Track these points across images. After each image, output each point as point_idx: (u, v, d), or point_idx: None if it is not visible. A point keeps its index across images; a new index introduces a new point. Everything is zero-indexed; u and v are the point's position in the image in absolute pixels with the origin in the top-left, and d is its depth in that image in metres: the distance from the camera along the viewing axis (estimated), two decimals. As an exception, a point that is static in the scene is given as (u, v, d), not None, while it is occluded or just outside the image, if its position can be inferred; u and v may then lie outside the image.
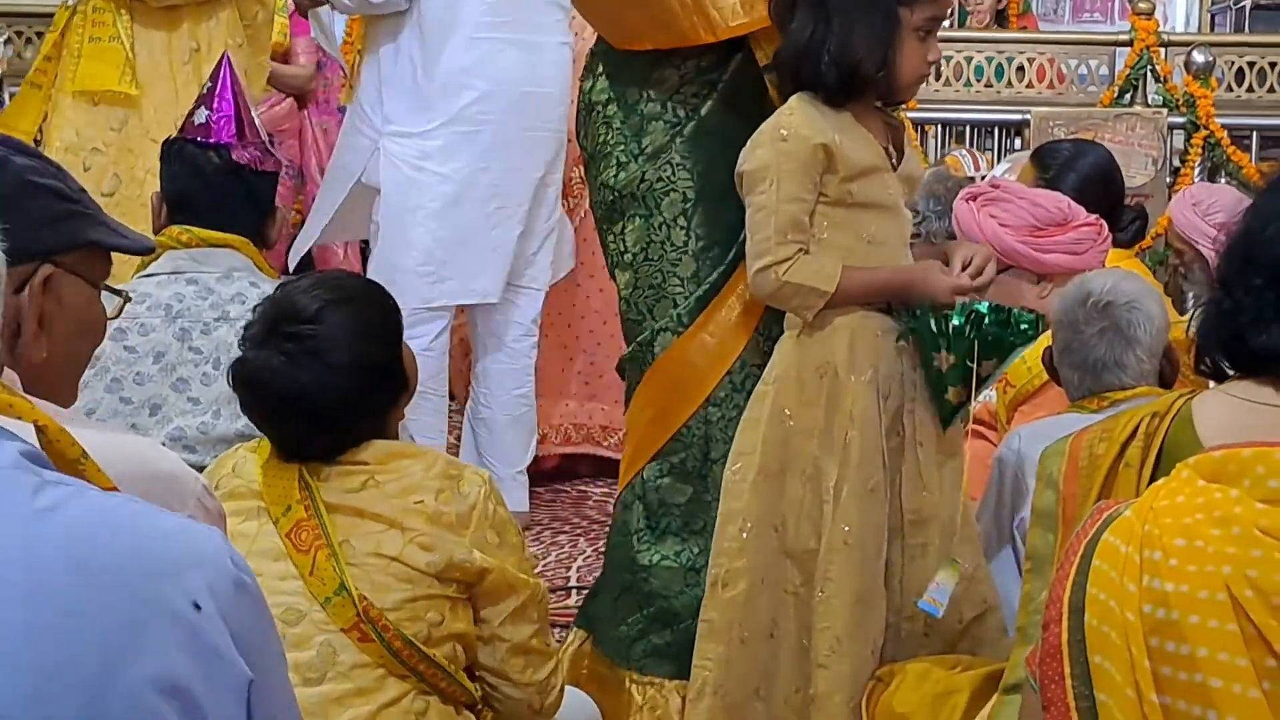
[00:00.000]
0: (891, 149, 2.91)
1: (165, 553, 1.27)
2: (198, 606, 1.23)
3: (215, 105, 3.24)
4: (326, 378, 2.48)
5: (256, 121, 3.36)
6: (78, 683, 1.15)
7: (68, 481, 1.27)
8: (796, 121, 2.81)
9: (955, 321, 2.78)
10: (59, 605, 1.17)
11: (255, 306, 2.63)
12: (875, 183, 2.85)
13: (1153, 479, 1.99)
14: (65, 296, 1.84)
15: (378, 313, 2.64)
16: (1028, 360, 3.37)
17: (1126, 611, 1.61)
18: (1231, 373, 2.04)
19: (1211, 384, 2.14)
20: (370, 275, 4.55)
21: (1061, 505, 2.17)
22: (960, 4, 8.16)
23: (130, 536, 1.26)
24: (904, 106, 3.04)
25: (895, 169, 2.92)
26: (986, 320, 2.79)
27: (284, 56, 6.14)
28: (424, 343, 4.63)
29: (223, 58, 3.46)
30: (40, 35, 7.60)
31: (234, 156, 3.22)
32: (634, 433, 3.10)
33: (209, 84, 3.32)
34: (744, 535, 2.84)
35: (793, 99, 2.84)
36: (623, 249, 3.07)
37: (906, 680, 2.72)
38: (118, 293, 1.97)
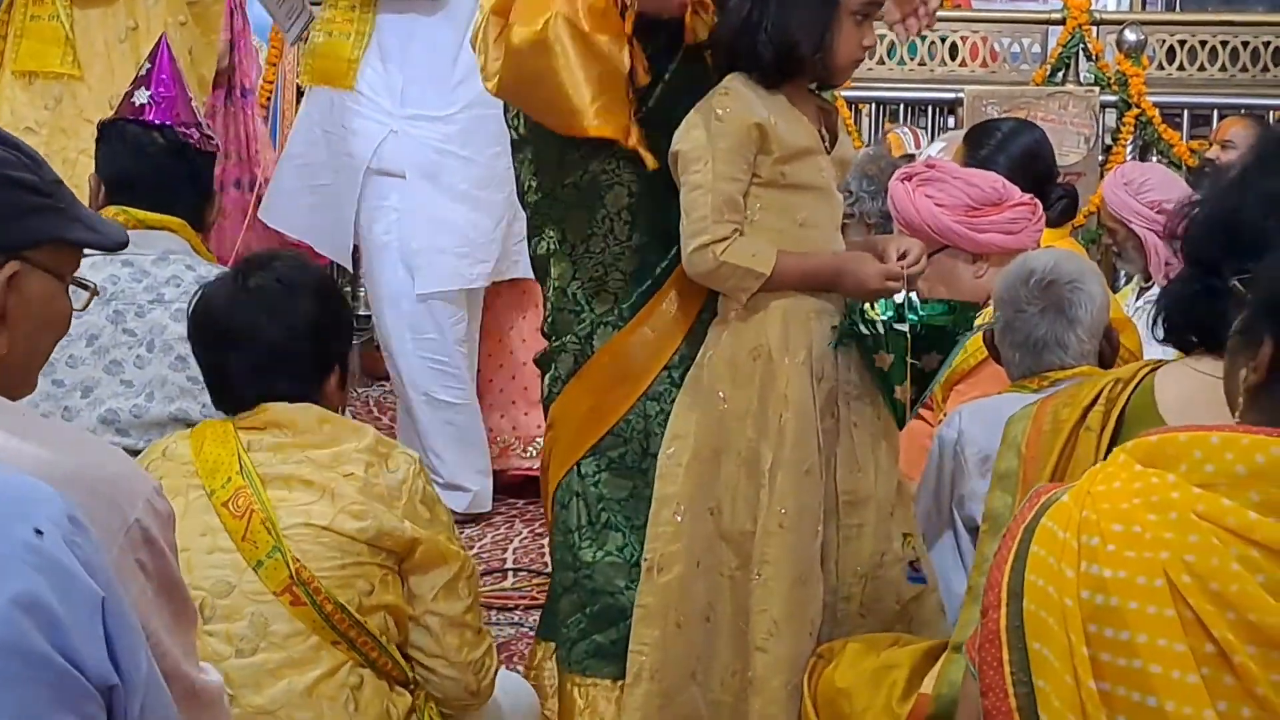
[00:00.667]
0: (824, 132, 2.90)
1: (9, 496, 1.40)
2: (39, 532, 1.36)
3: (153, 85, 3.22)
4: (276, 318, 2.63)
5: (194, 103, 3.34)
6: None
7: None
8: (731, 101, 2.80)
9: (885, 315, 2.78)
10: None
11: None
12: (809, 165, 2.85)
13: (1112, 444, 2.03)
14: (31, 291, 1.80)
15: (330, 293, 2.81)
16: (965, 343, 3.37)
17: (1065, 598, 1.61)
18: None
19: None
20: (398, 256, 4.60)
21: (1023, 468, 2.19)
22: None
23: None
24: (837, 88, 3.01)
25: (829, 152, 2.91)
26: (918, 312, 2.79)
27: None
28: (461, 329, 4.70)
29: (161, 38, 3.44)
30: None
31: (170, 137, 3.21)
32: (566, 424, 3.06)
33: (147, 64, 3.30)
34: (678, 519, 2.83)
35: (728, 78, 2.83)
36: (562, 238, 3.03)
37: (847, 657, 2.73)
38: (86, 286, 1.93)
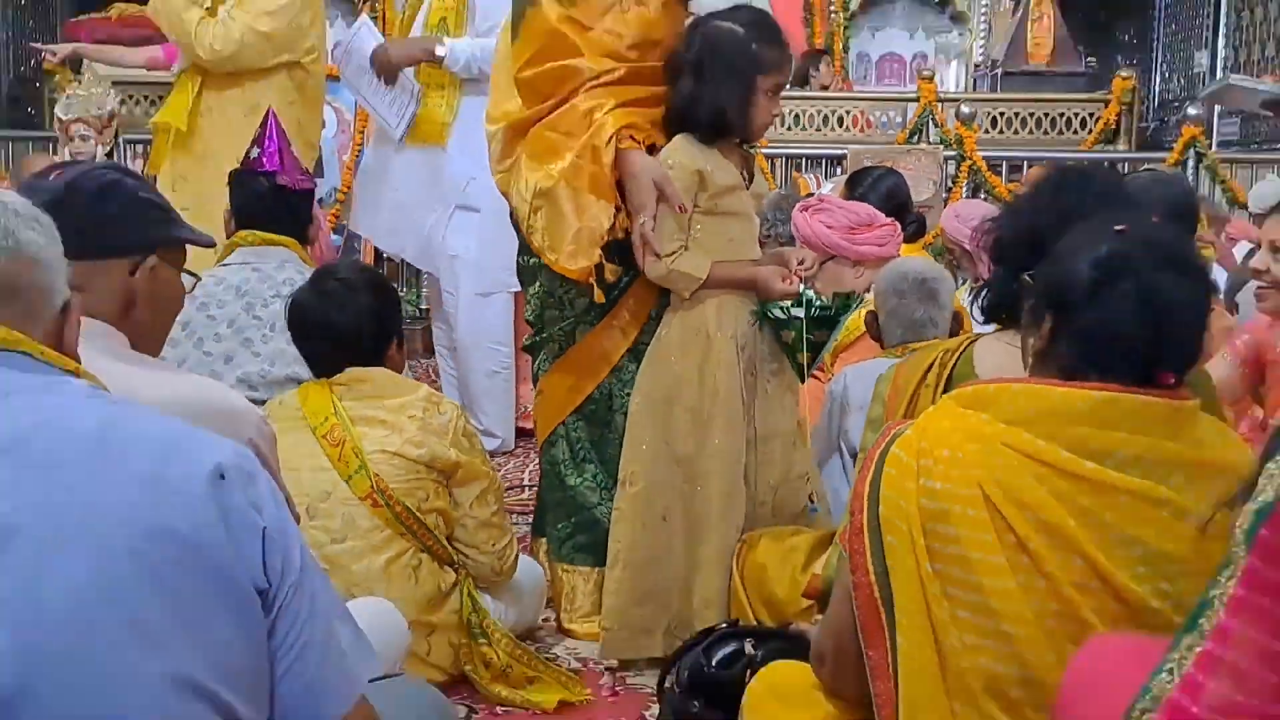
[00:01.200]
0: (745, 173, 2.85)
1: (197, 438, 1.35)
2: (222, 476, 1.29)
3: (264, 144, 3.21)
4: (342, 315, 2.61)
5: (295, 153, 3.32)
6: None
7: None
8: (679, 155, 2.75)
9: (795, 312, 2.75)
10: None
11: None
12: (734, 198, 2.80)
13: (945, 393, 2.00)
14: (162, 277, 1.90)
15: (382, 286, 2.77)
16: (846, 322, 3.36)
17: (908, 504, 1.59)
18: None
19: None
20: (470, 266, 4.46)
21: (885, 414, 2.18)
22: (804, 73, 8.14)
23: (167, 426, 1.36)
24: (757, 144, 2.95)
25: (748, 188, 2.85)
26: (813, 306, 2.76)
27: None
28: (508, 318, 4.59)
29: (268, 111, 3.40)
30: (146, 98, 7.55)
31: (278, 181, 3.19)
32: (553, 395, 2.99)
33: (260, 130, 3.28)
34: (643, 448, 2.80)
35: (676, 138, 2.78)
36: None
37: (763, 543, 2.70)
38: (193, 275, 2.01)
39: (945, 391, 1.99)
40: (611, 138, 2.71)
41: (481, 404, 4.56)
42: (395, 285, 4.39)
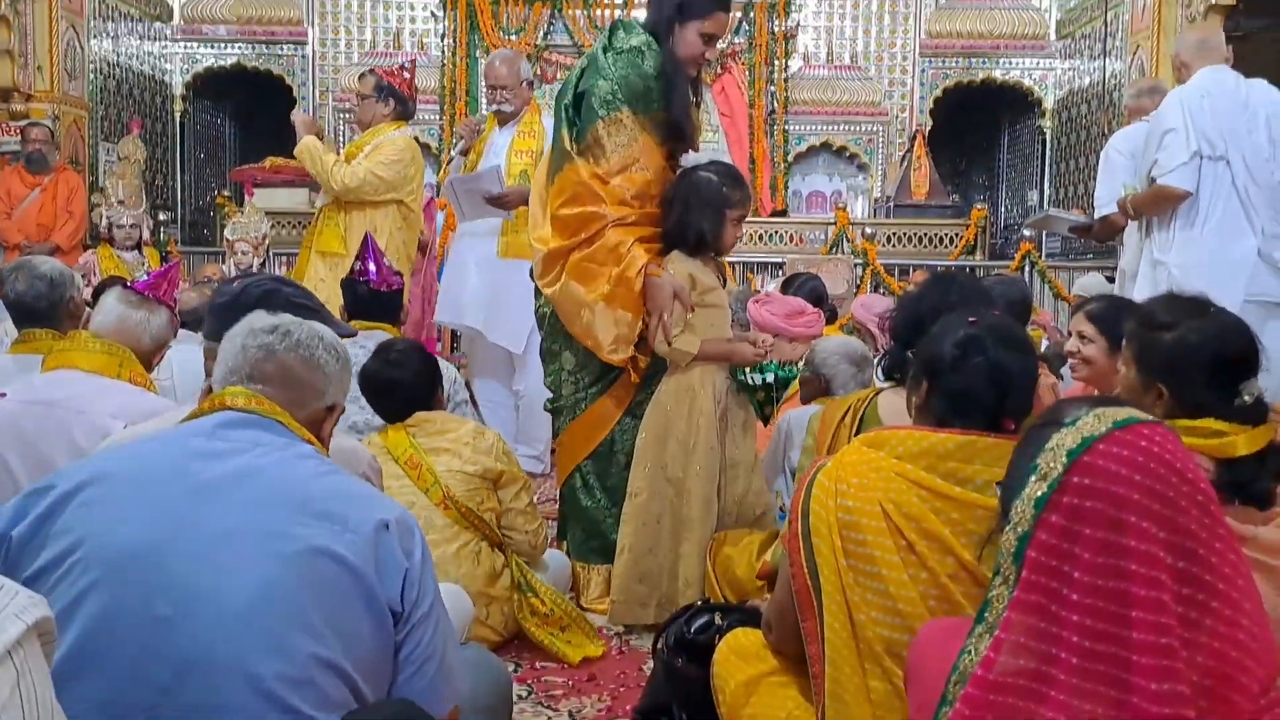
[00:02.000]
0: (720, 277, 2.85)
1: (376, 498, 1.37)
2: (386, 525, 1.29)
3: (365, 258, 3.20)
4: (402, 374, 2.60)
5: (387, 263, 3.28)
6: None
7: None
8: (675, 265, 2.76)
9: (765, 377, 2.77)
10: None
11: None
12: (715, 294, 2.80)
13: (856, 434, 2.02)
14: None
15: (426, 354, 2.74)
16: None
17: (829, 516, 1.58)
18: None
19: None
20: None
21: (816, 445, 2.17)
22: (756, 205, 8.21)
23: (360, 486, 1.38)
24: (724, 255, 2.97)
25: (724, 286, 2.86)
26: (775, 373, 2.78)
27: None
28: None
29: (366, 235, 3.41)
30: (290, 224, 7.56)
31: (373, 285, 3.18)
32: (570, 446, 2.96)
33: (361, 249, 3.26)
34: (646, 469, 2.78)
35: (673, 253, 2.79)
36: (569, 346, 2.92)
37: (729, 539, 2.68)
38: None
39: (858, 430, 1.98)
40: (641, 269, 2.72)
41: (539, 435, 4.37)
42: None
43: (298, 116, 4.53)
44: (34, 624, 0.87)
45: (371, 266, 3.15)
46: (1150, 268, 3.71)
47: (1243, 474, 1.57)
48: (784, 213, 8.54)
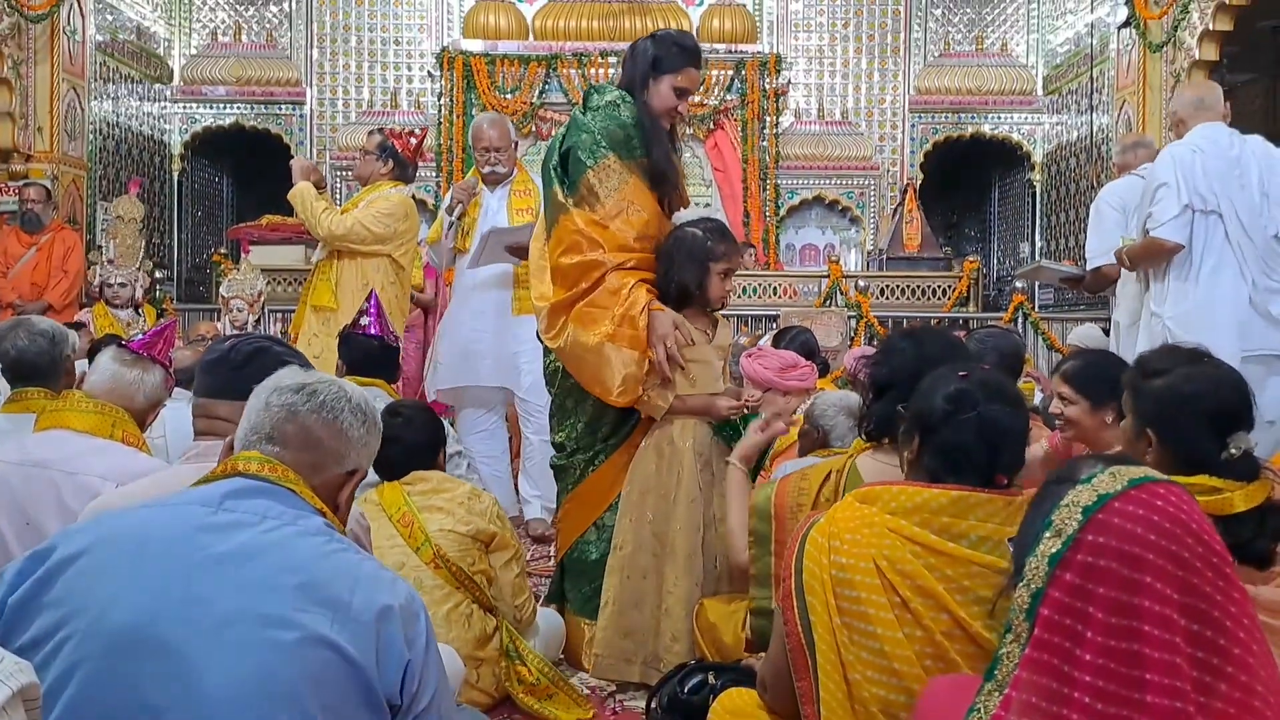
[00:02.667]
0: (709, 330, 2.85)
1: (382, 580, 1.29)
2: (391, 612, 1.24)
3: (367, 313, 3.20)
4: (407, 433, 2.57)
5: (387, 320, 3.29)
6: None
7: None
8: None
9: (744, 428, 2.74)
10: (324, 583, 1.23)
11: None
12: (695, 350, 2.79)
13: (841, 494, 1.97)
14: None
15: (433, 414, 2.74)
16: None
17: (823, 574, 1.57)
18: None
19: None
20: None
21: (775, 531, 2.08)
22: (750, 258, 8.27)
23: (366, 566, 1.30)
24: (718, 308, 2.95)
25: (710, 341, 2.86)
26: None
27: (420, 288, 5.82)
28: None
29: (371, 290, 3.42)
30: (284, 280, 7.55)
31: (373, 341, 3.18)
32: (573, 518, 2.92)
33: (364, 304, 3.29)
34: (629, 522, 2.76)
35: (656, 304, 2.78)
36: (577, 408, 2.91)
37: (711, 607, 2.61)
38: None
39: (842, 492, 1.95)
40: (644, 307, 2.71)
41: (548, 483, 4.25)
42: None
43: (297, 161, 4.53)
44: (19, 690, 0.86)
45: (373, 321, 3.16)
46: (1148, 319, 3.75)
47: (1241, 533, 1.56)
48: (767, 265, 8.58)
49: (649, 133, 2.80)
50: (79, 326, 4.92)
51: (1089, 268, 4.42)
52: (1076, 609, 1.07)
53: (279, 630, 1.17)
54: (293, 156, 8.67)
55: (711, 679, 2.03)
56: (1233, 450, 1.59)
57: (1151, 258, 3.70)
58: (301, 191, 4.33)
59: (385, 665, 1.21)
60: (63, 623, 1.16)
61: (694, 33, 8.77)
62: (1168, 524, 1.07)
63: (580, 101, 2.93)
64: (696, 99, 8.34)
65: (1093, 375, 2.59)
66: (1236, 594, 1.09)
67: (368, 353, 3.16)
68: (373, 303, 3.21)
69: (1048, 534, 1.12)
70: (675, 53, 2.84)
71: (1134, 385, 1.77)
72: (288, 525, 1.27)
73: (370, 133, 4.63)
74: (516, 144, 4.39)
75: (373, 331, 3.15)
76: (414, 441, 2.60)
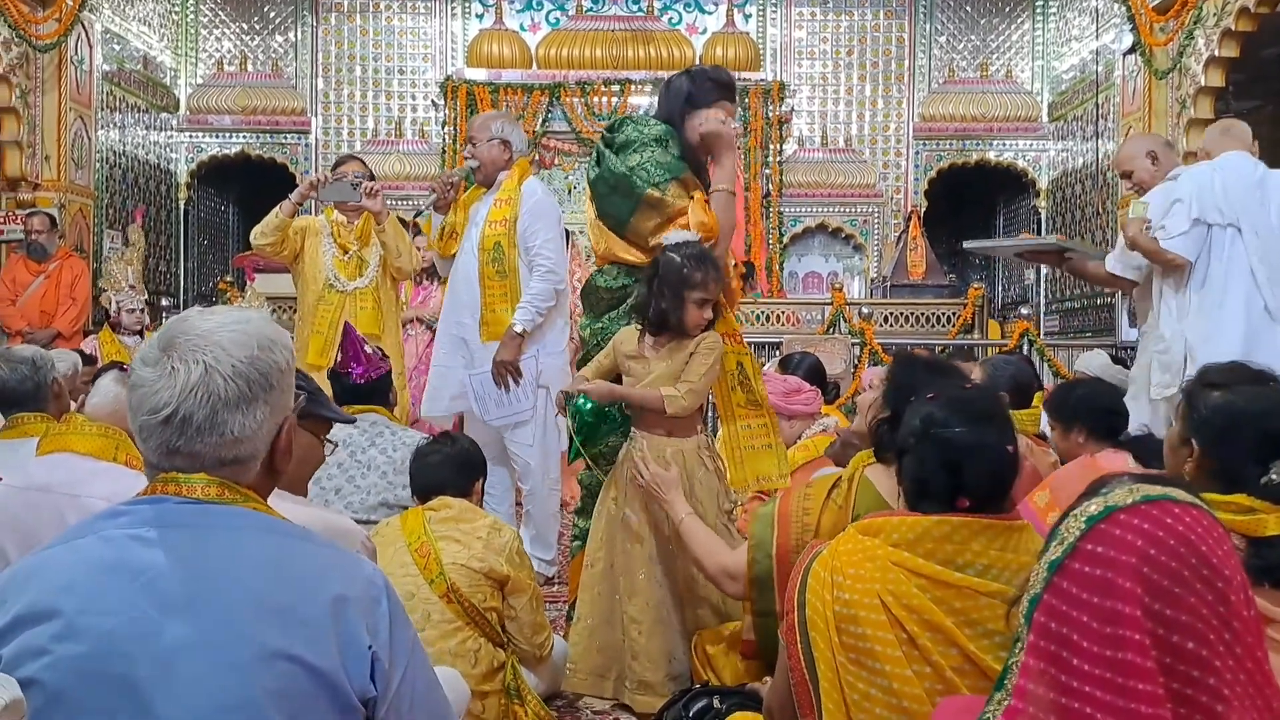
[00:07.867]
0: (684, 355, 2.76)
1: (335, 568, 1.23)
2: (344, 602, 1.18)
3: (347, 352, 3.21)
4: (445, 466, 2.61)
5: (371, 349, 3.28)
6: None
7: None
8: (620, 334, 2.81)
9: (582, 406, 2.75)
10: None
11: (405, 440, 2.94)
12: (638, 364, 2.74)
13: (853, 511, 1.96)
14: (302, 440, 1.80)
15: (470, 447, 2.74)
16: (799, 451, 3.33)
17: (826, 609, 1.54)
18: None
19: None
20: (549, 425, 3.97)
21: (778, 527, 2.07)
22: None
23: (311, 558, 1.23)
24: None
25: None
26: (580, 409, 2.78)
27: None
28: None
29: (345, 325, 3.42)
30: (291, 308, 7.50)
31: (359, 376, 3.20)
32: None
33: (343, 340, 3.28)
34: (599, 539, 2.74)
35: (629, 327, 2.80)
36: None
37: (707, 638, 2.56)
38: (331, 443, 2.03)
39: (852, 508, 1.93)
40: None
41: (550, 539, 4.03)
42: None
43: (307, 179, 4.48)
44: (5, 706, 0.85)
45: (354, 361, 3.16)
46: (1169, 332, 3.71)
47: (1272, 556, 1.52)
48: (757, 290, 8.57)
49: (695, 166, 2.86)
50: (87, 358, 4.90)
51: (1108, 269, 3.95)
52: (1070, 616, 1.06)
53: (236, 649, 1.12)
54: (296, 184, 8.75)
55: (717, 703, 2.00)
56: (1274, 475, 1.54)
57: (1154, 259, 3.68)
58: (280, 206, 4.34)
59: (350, 660, 1.16)
60: (21, 655, 1.10)
61: (697, 60, 8.85)
62: (1171, 540, 1.05)
63: (632, 127, 2.91)
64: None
65: (1057, 401, 2.62)
66: (1236, 624, 1.06)
67: (356, 390, 3.18)
68: (351, 339, 3.21)
69: (1054, 542, 1.11)
70: (709, 87, 2.86)
71: (1190, 393, 1.72)
72: (233, 531, 1.21)
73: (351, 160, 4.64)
74: (504, 142, 3.90)
75: (354, 372, 3.16)
76: (448, 469, 2.62)
